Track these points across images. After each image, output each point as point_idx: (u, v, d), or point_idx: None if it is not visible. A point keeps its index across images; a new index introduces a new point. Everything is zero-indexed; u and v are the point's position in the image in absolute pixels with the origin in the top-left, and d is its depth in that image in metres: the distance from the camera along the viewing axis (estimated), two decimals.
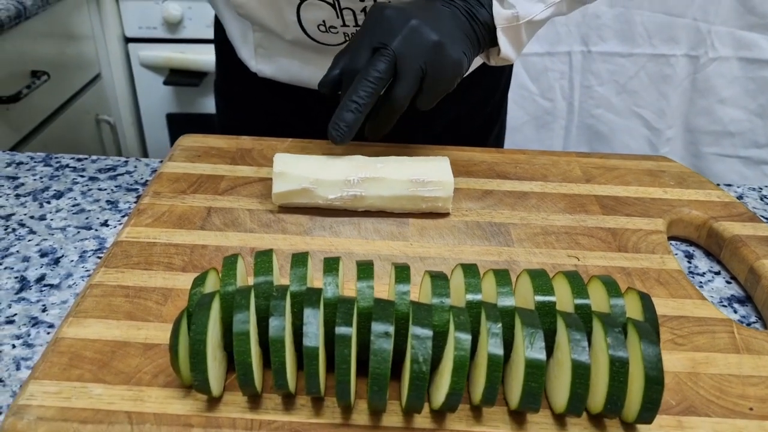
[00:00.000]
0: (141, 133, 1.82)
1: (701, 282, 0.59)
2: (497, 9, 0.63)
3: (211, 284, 0.44)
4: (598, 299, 0.43)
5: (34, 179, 0.71)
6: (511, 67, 0.96)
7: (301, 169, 0.59)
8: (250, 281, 0.47)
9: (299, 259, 0.43)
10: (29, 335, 0.51)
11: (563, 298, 0.43)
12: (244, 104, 0.91)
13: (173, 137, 1.80)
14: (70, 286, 0.56)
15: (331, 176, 0.58)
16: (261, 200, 0.62)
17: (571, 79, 1.56)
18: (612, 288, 0.43)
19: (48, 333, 0.51)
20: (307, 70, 0.79)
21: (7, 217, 0.64)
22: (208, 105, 1.75)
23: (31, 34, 1.27)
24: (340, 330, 0.38)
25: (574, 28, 1.51)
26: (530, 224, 0.60)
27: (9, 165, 0.73)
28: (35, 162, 0.74)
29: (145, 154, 1.85)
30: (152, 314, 0.48)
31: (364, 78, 0.57)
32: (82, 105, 1.52)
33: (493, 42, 0.65)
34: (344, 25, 0.71)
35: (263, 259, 0.43)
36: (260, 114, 0.89)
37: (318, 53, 0.77)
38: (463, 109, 0.86)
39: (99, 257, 0.59)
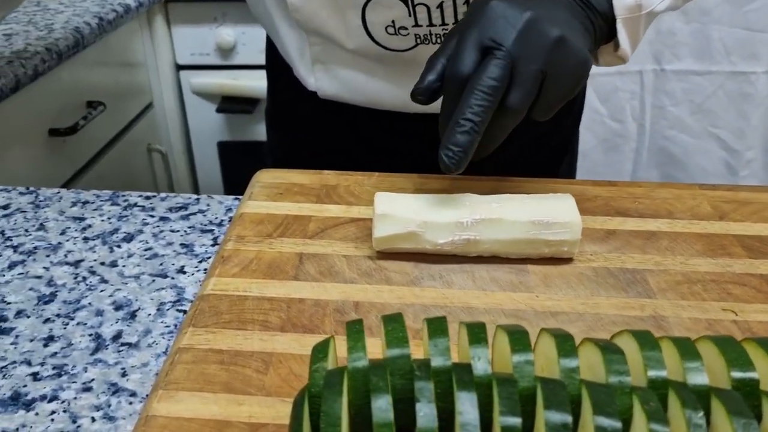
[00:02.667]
0: (191, 161, 1.78)
1: None
2: None
3: (330, 355, 0.37)
4: None
5: (102, 220, 0.65)
6: (584, 90, 0.88)
7: (406, 211, 0.52)
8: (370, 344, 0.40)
9: (438, 327, 0.36)
10: (109, 405, 0.44)
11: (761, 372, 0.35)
12: (301, 133, 0.85)
13: (224, 166, 1.76)
14: (149, 345, 0.50)
15: (442, 218, 0.51)
16: (356, 244, 0.56)
17: (642, 100, 1.48)
18: None
19: (130, 403, 0.45)
20: (374, 84, 0.72)
21: (76, 264, 0.59)
22: (261, 132, 1.70)
23: (87, 64, 1.24)
24: (507, 421, 0.31)
25: (646, 46, 1.43)
26: (668, 270, 0.52)
27: (74, 204, 0.68)
28: (102, 201, 0.69)
29: (195, 183, 1.81)
30: (253, 385, 0.42)
31: (476, 89, 0.47)
32: (135, 135, 1.48)
33: (609, 37, 0.57)
34: (416, 24, 0.64)
35: (395, 327, 0.36)
36: (318, 143, 0.83)
37: (385, 64, 0.70)
38: (531, 135, 0.79)
39: (178, 310, 0.53)
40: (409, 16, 0.63)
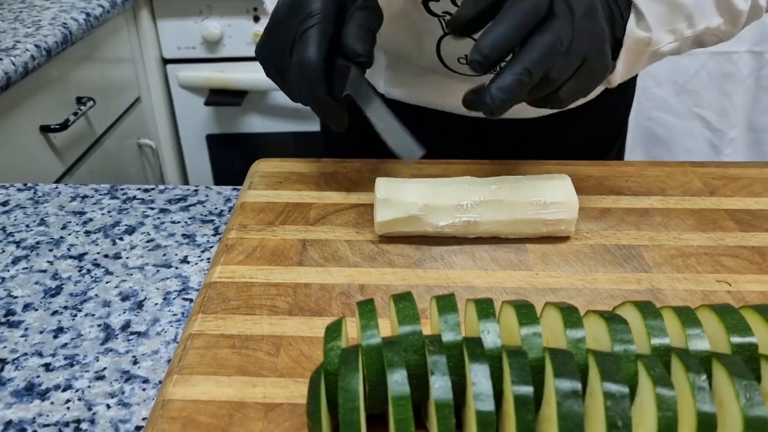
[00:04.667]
0: (180, 155, 1.78)
1: None
2: (631, 26, 0.54)
3: (342, 335, 0.38)
4: None
5: (102, 214, 0.66)
6: (635, 80, 0.87)
7: (407, 195, 0.53)
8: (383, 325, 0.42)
9: (447, 303, 0.37)
10: (123, 392, 0.45)
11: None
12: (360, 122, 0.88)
13: (213, 158, 1.76)
14: (158, 333, 0.50)
15: (442, 201, 0.53)
16: (358, 229, 0.57)
17: None
18: None
19: (143, 389, 0.45)
20: (440, 93, 0.76)
21: (80, 257, 0.59)
22: (250, 124, 1.71)
23: (75, 60, 1.23)
24: (519, 390, 0.32)
25: None
26: (663, 245, 0.54)
27: (74, 199, 0.68)
28: (101, 195, 0.69)
29: (185, 176, 1.81)
30: (266, 368, 0.43)
31: (540, 45, 0.46)
32: (124, 130, 1.48)
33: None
34: None
35: (405, 305, 0.37)
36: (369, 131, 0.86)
37: (453, 79, 0.73)
38: (584, 129, 0.81)
39: (184, 299, 0.54)
40: None
